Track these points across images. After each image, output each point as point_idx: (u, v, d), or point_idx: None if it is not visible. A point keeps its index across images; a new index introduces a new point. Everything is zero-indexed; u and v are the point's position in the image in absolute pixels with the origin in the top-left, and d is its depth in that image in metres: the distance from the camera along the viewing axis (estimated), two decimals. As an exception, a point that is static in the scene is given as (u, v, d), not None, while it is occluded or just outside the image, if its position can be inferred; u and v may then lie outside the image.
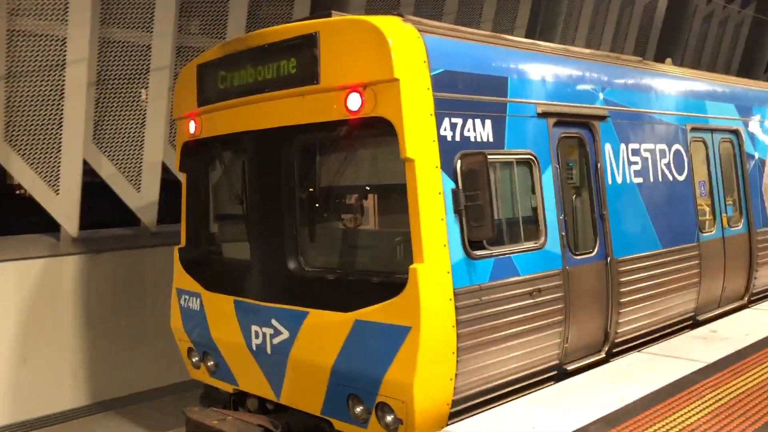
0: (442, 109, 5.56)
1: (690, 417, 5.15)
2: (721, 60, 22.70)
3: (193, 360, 7.29)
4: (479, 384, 5.66)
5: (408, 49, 5.45)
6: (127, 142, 10.67)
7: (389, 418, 5.41)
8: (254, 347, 6.38)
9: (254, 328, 6.34)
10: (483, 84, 5.98)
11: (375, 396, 5.44)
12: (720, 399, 5.48)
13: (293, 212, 6.25)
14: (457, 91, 5.73)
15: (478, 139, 5.78)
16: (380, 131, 5.50)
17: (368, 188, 6.49)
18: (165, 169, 10.88)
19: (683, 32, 18.94)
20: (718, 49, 22.55)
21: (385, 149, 5.83)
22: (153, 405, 10.21)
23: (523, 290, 5.95)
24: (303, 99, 5.87)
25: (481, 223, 5.41)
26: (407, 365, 5.20)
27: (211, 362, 7.02)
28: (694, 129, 8.57)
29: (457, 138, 5.63)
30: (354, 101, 5.48)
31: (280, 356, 6.14)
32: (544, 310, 6.15)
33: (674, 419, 5.11)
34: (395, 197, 5.87)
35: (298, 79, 5.88)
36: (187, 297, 7.16)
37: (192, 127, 7.07)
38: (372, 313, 5.44)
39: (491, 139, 5.90)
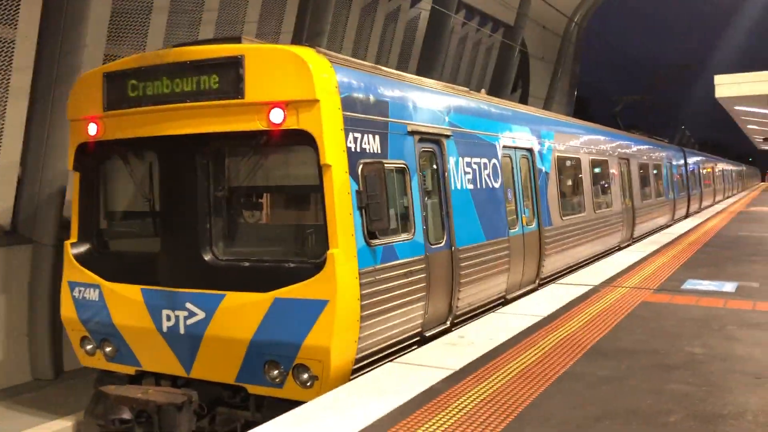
0: (348, 125, 6.86)
1: (435, 429, 5.10)
2: (475, 79, 24.58)
3: (87, 348, 7.90)
4: (372, 346, 7.02)
5: (324, 75, 6.72)
6: None
7: (305, 376, 6.59)
8: (165, 329, 7.16)
9: (166, 312, 7.12)
10: (373, 106, 7.41)
11: (293, 359, 6.56)
12: (464, 407, 5.51)
13: (207, 209, 7.14)
14: (357, 111, 7.09)
15: (372, 151, 7.20)
16: (298, 141, 6.66)
17: (282, 188, 7.58)
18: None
19: (441, 51, 20.09)
20: (472, 69, 24.39)
21: (301, 156, 6.92)
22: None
23: (401, 271, 7.46)
24: (225, 110, 6.83)
25: (379, 218, 6.88)
26: (325, 332, 6.41)
27: (110, 348, 7.71)
28: (504, 147, 10.68)
29: (358, 149, 6.98)
30: (277, 115, 6.60)
31: (194, 335, 6.99)
32: (413, 287, 7.69)
33: (420, 432, 5.04)
34: (307, 196, 7.19)
35: (220, 93, 6.82)
36: (81, 288, 7.74)
37: (92, 129, 7.62)
38: (291, 291, 6.56)
39: (379, 151, 7.35)
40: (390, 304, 7.23)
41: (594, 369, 6.46)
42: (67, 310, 7.88)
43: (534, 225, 11.47)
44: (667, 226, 22.88)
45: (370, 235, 6.93)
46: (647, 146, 22.22)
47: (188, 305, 6.95)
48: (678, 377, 6.21)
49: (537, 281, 11.59)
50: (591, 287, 11.09)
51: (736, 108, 32.57)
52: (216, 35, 12.81)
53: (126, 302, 7.36)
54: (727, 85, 25.11)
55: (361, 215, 6.82)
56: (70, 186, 9.99)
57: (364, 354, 6.89)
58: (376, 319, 7.00)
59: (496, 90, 25.37)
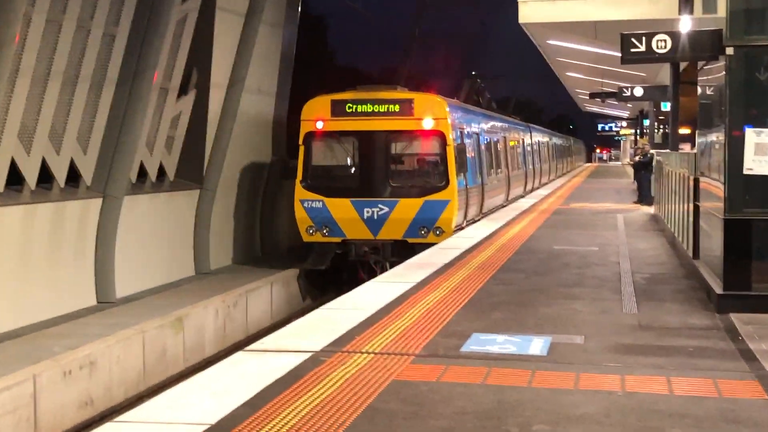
0: (452, 128, 17.17)
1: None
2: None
3: (310, 231, 16.83)
4: (460, 221, 17.28)
5: (446, 107, 17.35)
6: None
7: (438, 232, 16.18)
8: (365, 217, 16.56)
9: (366, 209, 16.56)
10: (458, 120, 18.45)
11: (434, 224, 16.34)
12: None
13: (389, 163, 17.15)
14: (455, 122, 17.65)
15: (457, 139, 17.49)
16: (436, 134, 16.89)
17: (425, 154, 17.88)
18: None
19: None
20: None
21: (436, 140, 16.98)
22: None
23: (465, 191, 18.06)
24: (402, 119, 16.84)
25: (463, 168, 17.52)
26: (449, 213, 16.54)
27: (326, 229, 16.68)
28: (484, 136, 22.37)
29: (456, 139, 17.40)
30: (428, 123, 16.68)
31: (381, 219, 16.48)
32: (466, 198, 18.09)
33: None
34: (437, 158, 17.19)
35: (401, 113, 16.83)
36: (309, 202, 16.80)
37: (320, 124, 16.95)
38: (432, 197, 16.59)
39: (458, 139, 17.70)
40: (468, 205, 17.95)
41: None
42: (300, 213, 16.90)
43: (479, 181, 21.05)
44: (544, 184, 34.44)
45: (459, 173, 17.07)
46: (528, 130, 32.82)
47: (379, 205, 16.56)
48: None
49: (487, 210, 21.84)
50: (309, 355, 6.20)
51: (550, 43, 20.81)
52: None
53: (341, 206, 16.72)
54: (536, 2, 14.52)
55: (457, 166, 16.93)
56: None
57: (459, 224, 17.06)
58: (461, 211, 17.27)
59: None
